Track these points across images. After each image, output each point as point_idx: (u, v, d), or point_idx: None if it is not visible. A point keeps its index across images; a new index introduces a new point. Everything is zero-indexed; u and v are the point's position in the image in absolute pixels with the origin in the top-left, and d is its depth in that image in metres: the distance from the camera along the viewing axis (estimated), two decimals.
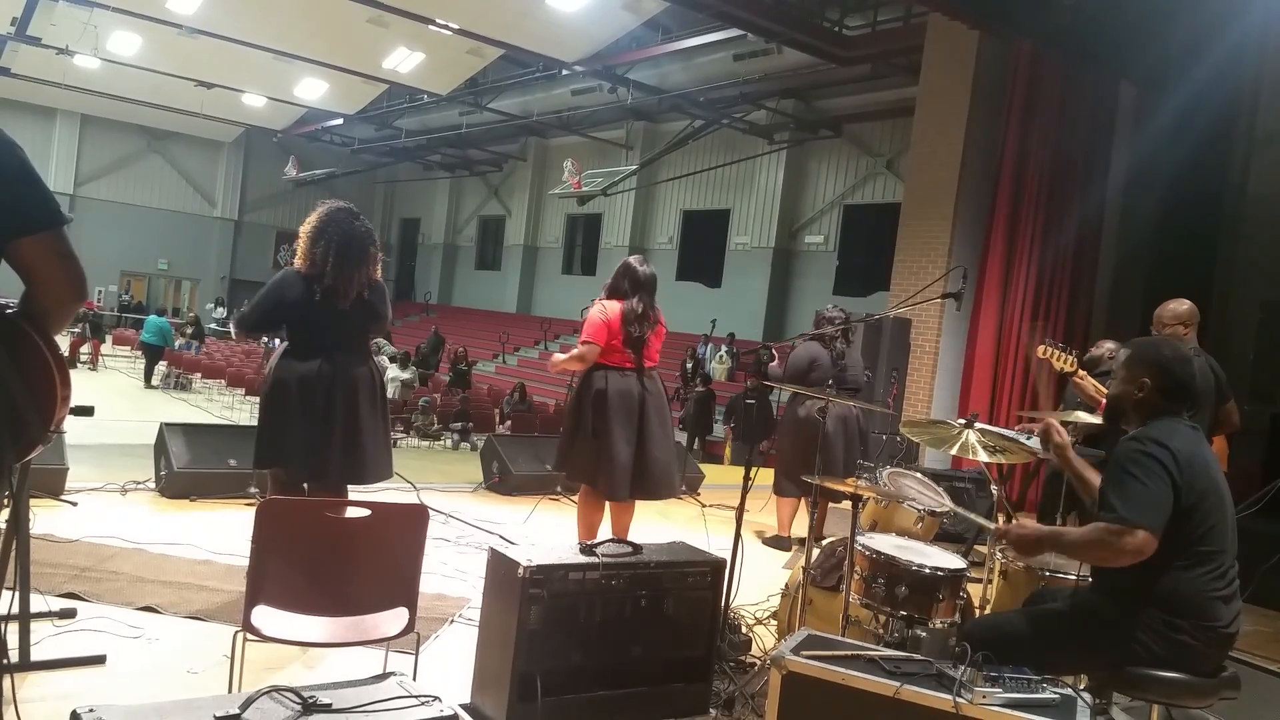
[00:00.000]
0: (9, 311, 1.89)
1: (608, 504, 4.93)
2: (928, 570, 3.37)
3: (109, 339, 24.95)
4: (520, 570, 2.76)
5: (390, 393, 14.22)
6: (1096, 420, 4.46)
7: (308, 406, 3.90)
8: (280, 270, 4.13)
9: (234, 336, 4.40)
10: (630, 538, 3.68)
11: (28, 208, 1.85)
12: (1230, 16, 8.59)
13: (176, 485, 5.70)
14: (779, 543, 6.27)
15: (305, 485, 4.00)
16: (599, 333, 4.78)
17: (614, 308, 4.83)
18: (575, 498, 5.40)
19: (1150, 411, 2.81)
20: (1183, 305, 5.02)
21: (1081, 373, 5.23)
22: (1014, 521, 2.79)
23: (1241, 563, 2.78)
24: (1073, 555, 2.90)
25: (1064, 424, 5.13)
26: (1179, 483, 2.62)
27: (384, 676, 2.35)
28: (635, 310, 4.81)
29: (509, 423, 15.36)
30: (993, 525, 3.10)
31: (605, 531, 4.85)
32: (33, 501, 3.70)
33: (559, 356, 5.03)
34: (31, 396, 1.86)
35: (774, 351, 5.75)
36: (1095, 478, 3.04)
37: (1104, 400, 2.98)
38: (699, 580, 3.11)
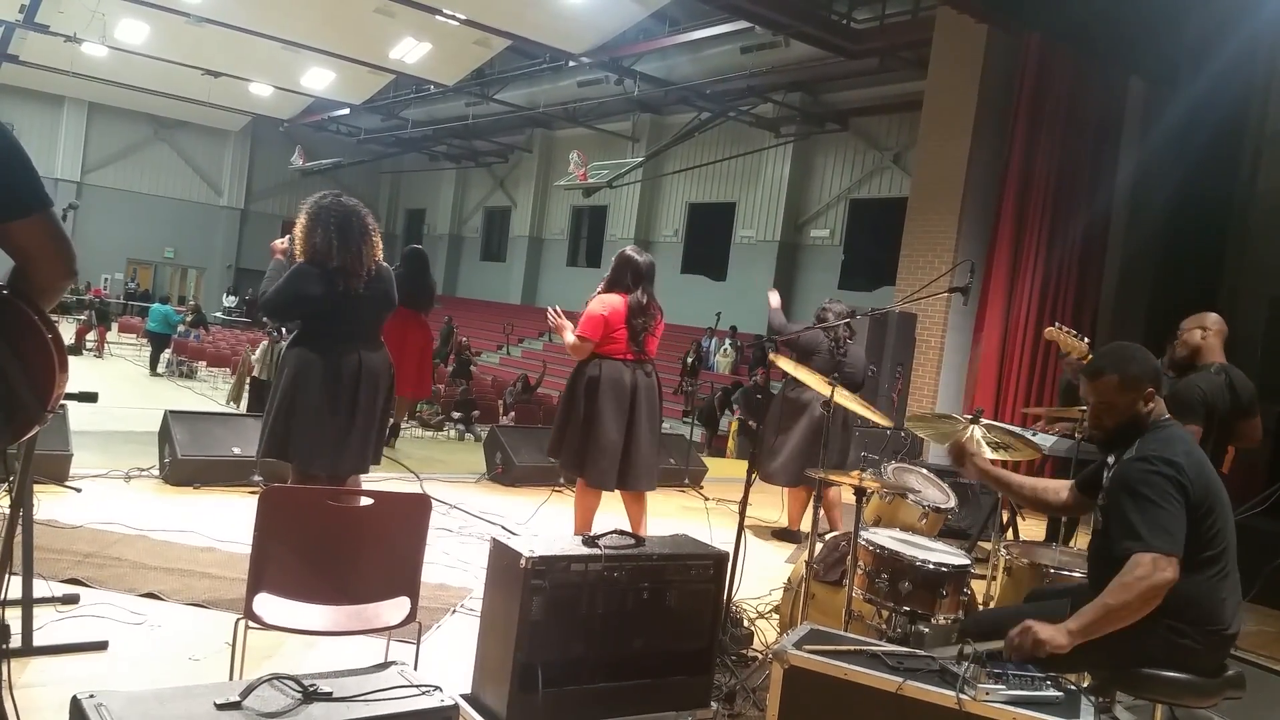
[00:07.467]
0: (3, 290, 1.82)
1: (623, 497, 4.90)
2: (931, 566, 3.36)
3: (115, 326, 25.02)
4: (522, 561, 2.75)
5: None
6: None
7: (331, 402, 3.86)
8: (294, 265, 3.98)
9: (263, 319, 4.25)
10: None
11: (22, 190, 1.81)
12: (1241, 12, 8.53)
13: (180, 472, 5.71)
14: (789, 535, 6.24)
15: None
16: (595, 328, 4.71)
17: (617, 301, 4.76)
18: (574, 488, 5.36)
19: (1156, 418, 2.78)
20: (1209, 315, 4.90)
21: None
22: (1032, 627, 2.60)
23: (1247, 563, 2.76)
24: (1126, 618, 2.52)
25: (1072, 420, 5.10)
26: (1192, 497, 2.60)
27: (385, 665, 2.35)
28: (640, 302, 4.75)
29: (512, 413, 15.37)
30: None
31: (602, 521, 4.82)
32: (36, 487, 3.70)
33: (568, 336, 4.81)
34: (27, 375, 1.81)
35: (777, 344, 5.70)
36: (1017, 480, 3.20)
37: (1098, 424, 2.89)
38: (701, 573, 3.10)
